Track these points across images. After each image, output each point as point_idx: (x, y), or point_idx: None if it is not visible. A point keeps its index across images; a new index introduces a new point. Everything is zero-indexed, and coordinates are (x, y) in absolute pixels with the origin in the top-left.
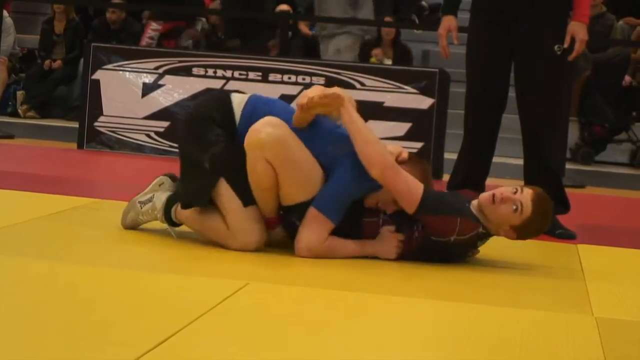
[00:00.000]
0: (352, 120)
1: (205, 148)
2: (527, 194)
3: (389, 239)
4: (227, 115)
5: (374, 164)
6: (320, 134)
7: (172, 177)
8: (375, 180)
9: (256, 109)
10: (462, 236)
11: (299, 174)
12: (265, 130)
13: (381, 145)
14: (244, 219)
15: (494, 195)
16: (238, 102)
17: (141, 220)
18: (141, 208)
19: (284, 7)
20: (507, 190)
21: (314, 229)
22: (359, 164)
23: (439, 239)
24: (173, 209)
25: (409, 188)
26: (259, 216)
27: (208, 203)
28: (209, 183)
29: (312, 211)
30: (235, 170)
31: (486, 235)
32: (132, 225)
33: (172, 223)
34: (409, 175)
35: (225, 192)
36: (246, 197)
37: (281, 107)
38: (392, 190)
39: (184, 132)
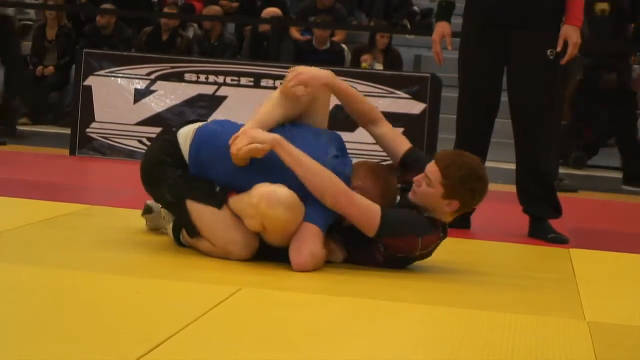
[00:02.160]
0: (289, 154)
1: (162, 184)
2: (429, 166)
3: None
4: (177, 155)
5: (325, 195)
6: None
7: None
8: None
9: (200, 147)
10: (426, 249)
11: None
12: (277, 213)
13: (327, 174)
14: (222, 228)
15: (413, 188)
16: (184, 139)
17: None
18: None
19: (272, 10)
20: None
21: (315, 241)
22: None
23: (404, 255)
24: (180, 236)
25: (366, 213)
26: (236, 221)
27: (196, 230)
28: (183, 212)
29: (310, 226)
30: (195, 187)
31: (446, 231)
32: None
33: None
34: (363, 201)
35: (195, 211)
36: (217, 199)
37: (227, 136)
38: (349, 217)
39: (142, 181)
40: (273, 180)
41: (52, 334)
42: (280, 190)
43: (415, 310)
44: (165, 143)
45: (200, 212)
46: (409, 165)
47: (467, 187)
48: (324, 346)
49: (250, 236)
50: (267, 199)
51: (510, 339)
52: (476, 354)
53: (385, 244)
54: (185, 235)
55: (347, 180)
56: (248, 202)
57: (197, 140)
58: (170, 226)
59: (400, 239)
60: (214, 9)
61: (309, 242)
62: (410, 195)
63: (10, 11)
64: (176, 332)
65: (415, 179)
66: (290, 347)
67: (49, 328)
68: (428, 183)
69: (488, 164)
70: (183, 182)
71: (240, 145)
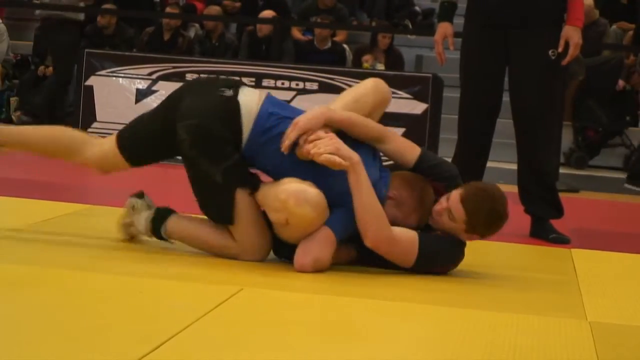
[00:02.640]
0: (358, 182)
1: (219, 162)
2: (454, 197)
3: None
4: (234, 129)
5: (368, 236)
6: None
7: (140, 195)
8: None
9: (266, 130)
10: (456, 266)
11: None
12: (305, 211)
13: (378, 214)
14: (254, 225)
15: (435, 211)
16: (248, 113)
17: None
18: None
19: (269, 12)
20: (442, 201)
21: (325, 247)
22: None
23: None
24: (162, 229)
25: (403, 253)
26: (266, 230)
27: (232, 221)
28: (226, 199)
29: (326, 231)
30: (249, 178)
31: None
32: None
33: (162, 238)
34: (401, 241)
35: (241, 202)
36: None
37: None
38: (386, 256)
39: (191, 142)
40: (317, 184)
41: (52, 334)
42: (310, 190)
43: (417, 310)
44: (227, 113)
45: (245, 204)
46: (425, 174)
47: (491, 230)
48: (327, 347)
49: (269, 239)
50: (296, 197)
51: (512, 339)
52: (478, 354)
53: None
54: (173, 226)
55: (383, 199)
56: (275, 196)
57: (264, 121)
58: (144, 216)
59: (435, 268)
60: (215, 9)
61: (319, 247)
62: (429, 220)
63: (81, 16)
64: (178, 332)
65: (436, 208)
66: (293, 347)
67: (49, 328)
68: (451, 218)
69: (489, 164)
70: (240, 168)
71: (323, 150)
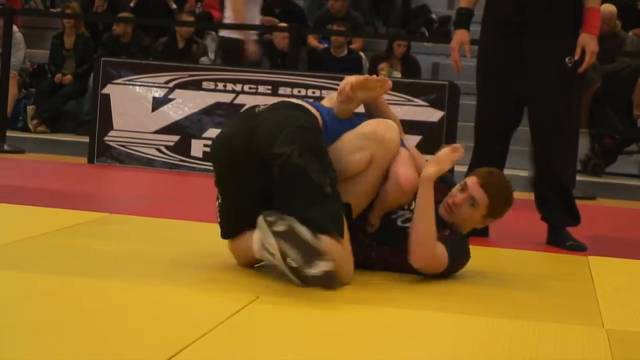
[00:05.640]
0: (424, 197)
1: (327, 172)
2: (473, 185)
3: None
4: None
5: (418, 260)
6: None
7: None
8: None
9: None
10: None
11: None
12: (393, 136)
13: (433, 233)
14: (347, 248)
15: (448, 205)
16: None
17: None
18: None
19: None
20: (455, 193)
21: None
22: None
23: None
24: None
25: (438, 267)
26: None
27: (342, 229)
28: (335, 208)
29: (405, 152)
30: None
31: None
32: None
33: None
34: (440, 256)
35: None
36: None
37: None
38: (421, 270)
39: (301, 153)
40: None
41: (69, 342)
42: (388, 120)
43: (433, 318)
44: (310, 117)
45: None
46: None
47: (507, 209)
48: (342, 355)
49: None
50: (384, 124)
51: (528, 347)
52: None
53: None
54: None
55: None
56: (360, 135)
57: (333, 123)
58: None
59: (456, 270)
60: None
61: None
62: (443, 212)
63: None
64: (193, 340)
65: (455, 200)
66: (308, 356)
67: (66, 336)
68: (473, 204)
69: (506, 171)
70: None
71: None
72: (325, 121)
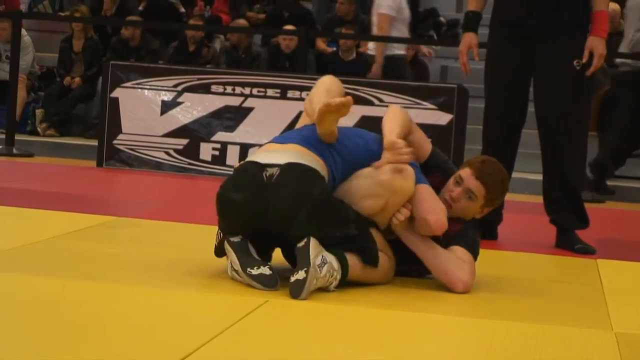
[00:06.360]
0: (411, 242)
1: (347, 220)
2: (468, 177)
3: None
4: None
5: (455, 283)
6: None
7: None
8: None
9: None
10: None
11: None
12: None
13: (447, 255)
14: (389, 256)
15: (446, 200)
16: (321, 168)
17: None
18: (320, 272)
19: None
20: (451, 188)
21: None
22: None
23: None
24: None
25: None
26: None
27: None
28: (369, 242)
29: (425, 187)
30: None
31: None
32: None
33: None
34: (473, 272)
35: (376, 236)
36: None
37: (358, 158)
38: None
39: (320, 229)
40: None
41: (78, 346)
42: (406, 165)
43: (441, 321)
44: (319, 181)
45: (379, 239)
46: (436, 167)
47: (504, 194)
48: (352, 358)
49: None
50: (401, 174)
51: (537, 350)
52: None
53: None
54: (352, 266)
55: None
56: (375, 182)
57: (332, 179)
58: (333, 257)
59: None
60: (240, 23)
61: (437, 202)
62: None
63: None
64: (204, 343)
65: (452, 195)
66: (317, 359)
67: (75, 339)
68: (470, 197)
69: (514, 174)
70: (357, 212)
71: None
72: (332, 170)
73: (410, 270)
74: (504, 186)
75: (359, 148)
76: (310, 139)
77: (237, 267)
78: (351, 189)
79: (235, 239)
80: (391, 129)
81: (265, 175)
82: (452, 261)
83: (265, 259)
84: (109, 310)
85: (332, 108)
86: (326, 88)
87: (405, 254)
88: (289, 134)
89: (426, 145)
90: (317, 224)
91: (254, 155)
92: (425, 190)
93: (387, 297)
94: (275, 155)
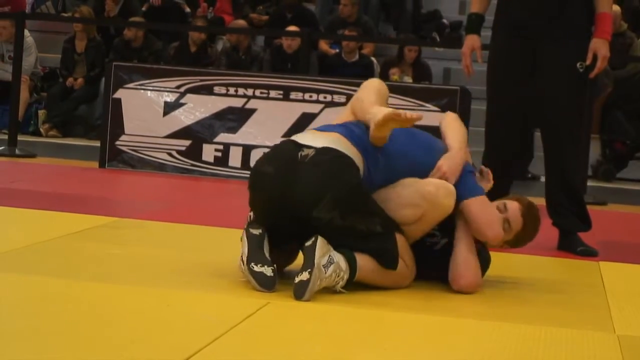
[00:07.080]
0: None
1: (374, 214)
2: (514, 210)
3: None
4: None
5: (463, 284)
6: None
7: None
8: None
9: (377, 165)
10: None
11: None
12: (451, 202)
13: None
14: (409, 258)
15: None
16: (355, 155)
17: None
18: (325, 272)
19: (240, 22)
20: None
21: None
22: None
23: None
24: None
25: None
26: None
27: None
28: (390, 244)
29: (480, 199)
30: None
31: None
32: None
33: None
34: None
35: (400, 240)
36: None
37: (405, 160)
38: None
39: (343, 217)
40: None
41: (81, 346)
42: (449, 184)
43: (443, 323)
44: (353, 169)
45: (401, 243)
46: None
47: (527, 243)
48: (354, 359)
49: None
50: (445, 189)
51: (539, 352)
52: None
53: None
54: (360, 267)
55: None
56: (417, 192)
57: (367, 173)
58: (341, 257)
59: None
60: (239, 24)
61: (494, 213)
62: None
63: None
64: (207, 344)
65: None
66: (320, 359)
67: (78, 340)
68: (506, 229)
69: None
70: (385, 212)
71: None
72: (369, 168)
73: (432, 276)
74: (533, 237)
75: (416, 158)
76: (355, 134)
77: (245, 257)
78: (391, 195)
79: (255, 232)
80: (461, 146)
81: (300, 154)
82: (475, 263)
83: (274, 260)
84: (111, 310)
85: (400, 119)
86: (377, 91)
87: (430, 260)
88: (332, 125)
89: (449, 135)
90: (342, 210)
91: (294, 136)
92: (482, 202)
93: (390, 298)
94: (315, 139)
